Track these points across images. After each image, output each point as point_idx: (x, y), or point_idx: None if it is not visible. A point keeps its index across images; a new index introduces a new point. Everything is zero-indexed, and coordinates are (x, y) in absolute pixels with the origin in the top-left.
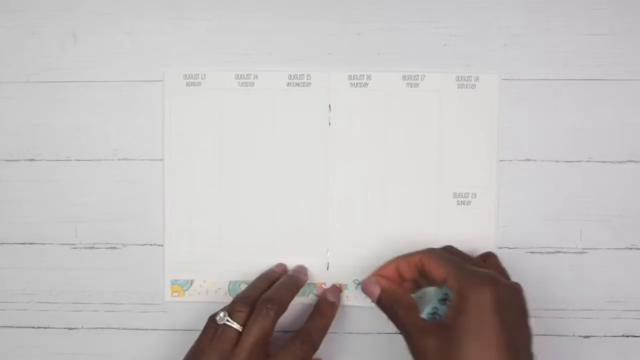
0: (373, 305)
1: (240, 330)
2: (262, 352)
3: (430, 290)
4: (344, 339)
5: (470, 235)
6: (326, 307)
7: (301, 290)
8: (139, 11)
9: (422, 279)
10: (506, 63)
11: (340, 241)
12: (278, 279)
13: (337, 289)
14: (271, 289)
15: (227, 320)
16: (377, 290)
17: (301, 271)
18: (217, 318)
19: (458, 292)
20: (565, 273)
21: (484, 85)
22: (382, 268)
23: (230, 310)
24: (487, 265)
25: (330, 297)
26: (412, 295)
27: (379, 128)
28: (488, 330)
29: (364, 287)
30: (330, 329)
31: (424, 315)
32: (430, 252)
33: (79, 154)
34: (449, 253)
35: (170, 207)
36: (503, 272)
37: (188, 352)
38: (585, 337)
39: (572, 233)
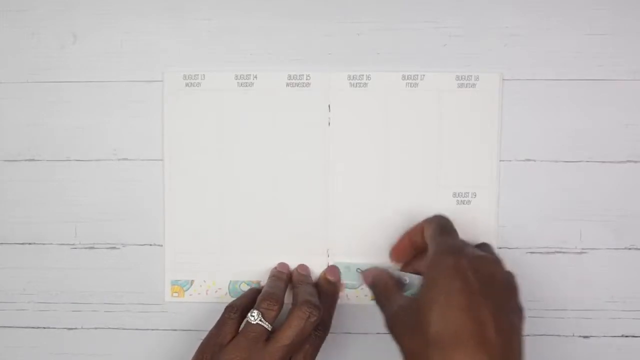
0: (371, 304)
1: (270, 329)
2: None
3: None
4: (344, 339)
5: (470, 235)
6: (329, 288)
7: None
8: (138, 11)
9: None
10: (506, 63)
11: (340, 241)
12: (288, 279)
13: (335, 269)
14: (305, 293)
15: (261, 321)
16: (370, 276)
17: (305, 270)
18: (251, 318)
19: (426, 262)
20: (565, 273)
21: (484, 85)
22: (396, 242)
23: (260, 309)
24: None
25: (330, 277)
26: (415, 276)
27: (379, 128)
28: (450, 296)
29: (362, 275)
30: (330, 329)
31: (407, 294)
32: (432, 218)
33: (79, 154)
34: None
35: (170, 207)
36: (496, 259)
37: (206, 344)
38: (585, 337)
39: (572, 233)
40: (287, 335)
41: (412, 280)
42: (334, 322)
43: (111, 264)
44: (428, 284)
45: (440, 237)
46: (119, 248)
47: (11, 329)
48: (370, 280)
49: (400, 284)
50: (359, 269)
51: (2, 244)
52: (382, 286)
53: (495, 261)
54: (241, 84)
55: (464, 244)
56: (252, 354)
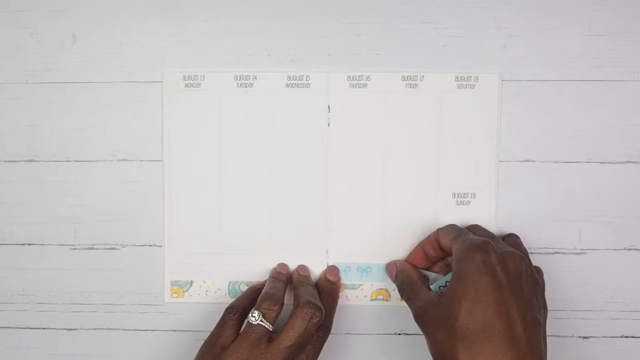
0: (371, 304)
1: (271, 329)
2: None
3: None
4: (343, 339)
5: None
6: (329, 288)
7: None
8: (138, 12)
9: (448, 256)
10: (505, 63)
11: (340, 241)
12: (287, 280)
13: (335, 269)
14: (307, 294)
15: (262, 321)
16: (394, 270)
17: (305, 271)
18: (252, 318)
19: (455, 258)
20: (564, 274)
21: (484, 86)
22: (410, 253)
23: (261, 309)
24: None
25: (330, 277)
26: (434, 273)
27: (378, 129)
28: (479, 290)
29: (385, 268)
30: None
31: (433, 288)
32: (445, 226)
33: (78, 155)
34: (471, 230)
35: (169, 208)
36: (524, 253)
37: (207, 346)
38: (584, 337)
39: (571, 234)
40: (290, 337)
41: (430, 276)
42: (334, 322)
43: (111, 265)
44: (457, 278)
45: (465, 235)
46: (118, 249)
47: (11, 329)
48: (394, 274)
49: (424, 279)
50: (360, 267)
51: (2, 244)
52: (408, 280)
53: (523, 257)
54: (241, 85)
55: (492, 237)
56: (254, 355)
